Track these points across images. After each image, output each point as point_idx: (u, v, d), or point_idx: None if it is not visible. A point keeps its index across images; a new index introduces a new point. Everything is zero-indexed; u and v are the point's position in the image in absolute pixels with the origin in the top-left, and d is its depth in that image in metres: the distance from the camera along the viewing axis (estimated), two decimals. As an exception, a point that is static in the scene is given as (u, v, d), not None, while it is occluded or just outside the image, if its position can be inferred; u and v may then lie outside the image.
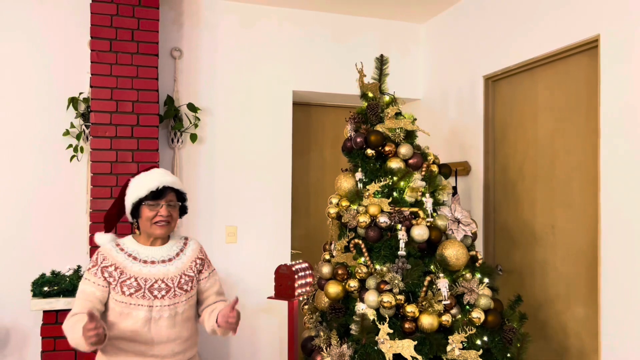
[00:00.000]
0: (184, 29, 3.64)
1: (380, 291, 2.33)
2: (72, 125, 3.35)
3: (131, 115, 3.24)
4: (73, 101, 3.32)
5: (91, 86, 3.20)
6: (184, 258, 2.16)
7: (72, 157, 3.33)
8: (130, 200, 2.09)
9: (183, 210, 2.23)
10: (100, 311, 2.02)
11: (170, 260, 2.12)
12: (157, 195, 2.06)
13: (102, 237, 2.15)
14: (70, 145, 3.33)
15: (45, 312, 2.98)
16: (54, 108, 3.37)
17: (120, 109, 3.22)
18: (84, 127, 3.31)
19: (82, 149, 3.34)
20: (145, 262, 2.08)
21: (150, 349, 2.02)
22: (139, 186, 2.08)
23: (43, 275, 3.09)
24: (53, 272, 3.14)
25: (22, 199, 3.32)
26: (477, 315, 2.32)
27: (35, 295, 3.00)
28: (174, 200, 2.11)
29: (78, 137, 3.32)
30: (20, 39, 3.34)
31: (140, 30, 3.26)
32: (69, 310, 2.78)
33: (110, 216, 2.21)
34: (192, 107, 3.53)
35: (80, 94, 3.36)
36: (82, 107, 3.35)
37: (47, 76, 3.37)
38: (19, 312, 3.27)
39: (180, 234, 2.28)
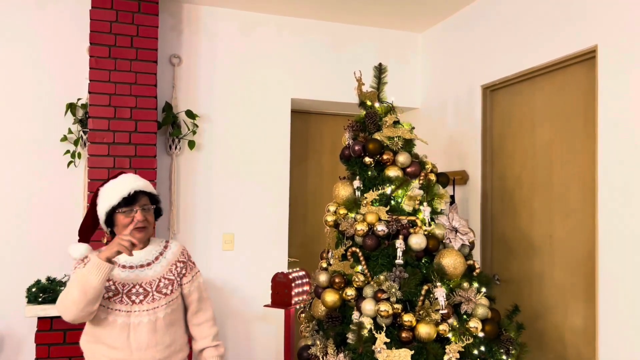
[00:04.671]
0: (183, 36, 3.65)
1: (377, 300, 2.32)
2: (70, 131, 3.35)
3: (129, 121, 3.23)
4: (71, 107, 3.32)
5: (89, 92, 3.20)
6: (164, 261, 2.13)
7: (70, 163, 3.33)
8: (103, 209, 2.04)
9: (157, 213, 2.19)
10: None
11: (148, 264, 2.09)
12: (129, 201, 2.02)
13: (77, 249, 2.06)
14: (68, 151, 3.33)
15: (39, 318, 2.97)
16: (51, 114, 3.37)
17: (119, 115, 3.22)
18: (81, 133, 3.31)
19: (79, 155, 3.34)
20: (123, 266, 2.05)
21: (130, 356, 1.98)
22: (110, 194, 2.03)
23: (38, 282, 3.07)
24: (48, 279, 3.12)
25: (18, 204, 3.30)
26: (475, 324, 2.31)
27: (30, 301, 2.98)
28: (147, 203, 2.08)
29: (76, 143, 3.31)
30: (19, 45, 3.34)
31: (139, 37, 3.26)
32: (63, 317, 2.76)
33: (86, 227, 2.14)
34: (190, 114, 3.53)
35: (79, 99, 3.36)
36: (80, 113, 3.34)
37: (45, 82, 3.37)
38: (13, 319, 3.25)
39: (169, 238, 2.26)
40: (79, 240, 2.13)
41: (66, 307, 1.90)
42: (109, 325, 1.99)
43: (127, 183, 2.06)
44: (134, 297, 2.01)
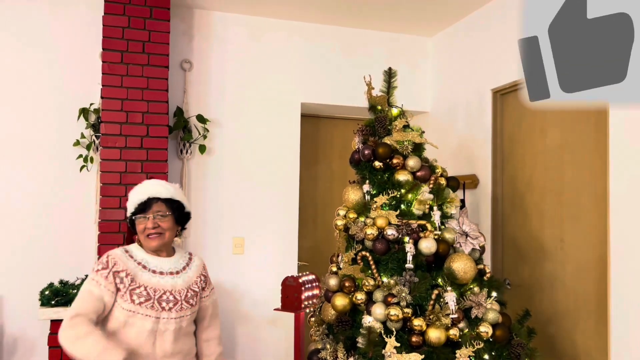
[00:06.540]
0: (194, 41, 3.68)
1: (387, 304, 2.32)
2: (83, 136, 3.38)
3: (141, 126, 3.26)
4: (84, 112, 3.36)
5: (102, 97, 3.23)
6: (190, 272, 2.16)
7: (82, 167, 3.36)
8: (127, 216, 2.12)
9: (185, 218, 2.20)
10: (99, 316, 1.97)
11: (177, 273, 2.11)
12: (143, 207, 2.06)
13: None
14: (81, 156, 3.36)
15: (52, 321, 2.99)
16: (64, 118, 3.40)
17: (130, 120, 3.25)
18: (94, 137, 3.34)
19: (92, 159, 3.37)
20: (154, 271, 2.06)
21: None
22: (130, 201, 2.10)
23: (51, 285, 3.10)
24: (61, 282, 3.15)
25: (31, 208, 3.34)
26: (485, 329, 2.30)
27: (43, 304, 3.02)
28: (162, 210, 2.08)
29: (88, 148, 3.35)
30: (33, 50, 3.38)
31: (151, 43, 3.30)
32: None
33: (129, 232, 2.29)
34: (201, 119, 3.55)
35: (91, 104, 3.40)
36: (92, 117, 3.38)
37: (58, 87, 3.41)
38: (26, 321, 3.28)
39: (186, 249, 2.30)
40: (127, 241, 2.28)
41: (66, 337, 1.95)
42: (136, 331, 1.98)
43: (144, 189, 2.10)
44: (164, 304, 2.02)
